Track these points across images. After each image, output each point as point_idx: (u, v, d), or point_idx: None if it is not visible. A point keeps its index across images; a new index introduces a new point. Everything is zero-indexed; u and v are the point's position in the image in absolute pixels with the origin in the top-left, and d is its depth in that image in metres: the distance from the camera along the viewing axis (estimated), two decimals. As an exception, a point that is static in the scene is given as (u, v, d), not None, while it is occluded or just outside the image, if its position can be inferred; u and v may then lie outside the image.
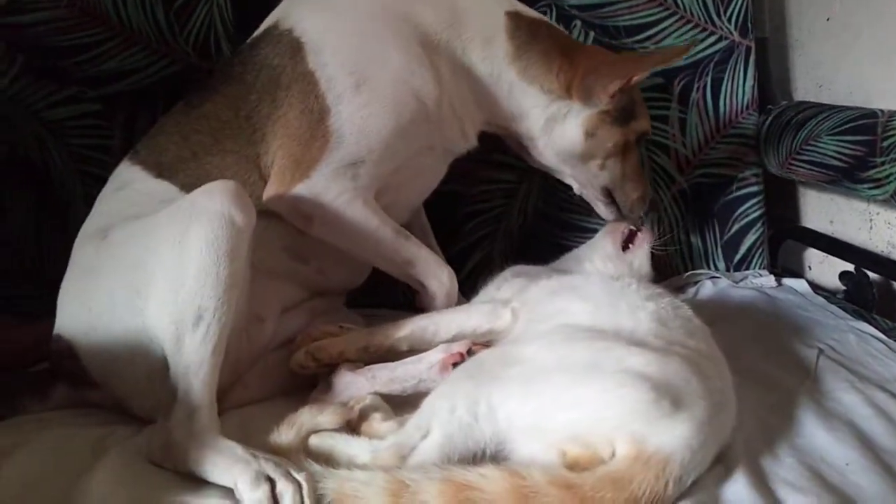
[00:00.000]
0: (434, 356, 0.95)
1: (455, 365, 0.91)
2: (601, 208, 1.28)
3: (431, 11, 1.08)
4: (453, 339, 0.99)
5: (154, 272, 0.85)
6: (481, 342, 0.98)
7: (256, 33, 1.11)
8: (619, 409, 0.74)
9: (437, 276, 1.09)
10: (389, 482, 0.71)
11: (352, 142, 1.01)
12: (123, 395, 0.93)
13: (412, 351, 0.99)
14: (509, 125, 1.18)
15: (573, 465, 0.73)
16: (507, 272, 1.15)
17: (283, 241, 1.05)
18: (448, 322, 1.01)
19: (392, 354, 0.99)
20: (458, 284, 1.11)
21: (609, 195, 1.25)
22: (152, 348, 0.86)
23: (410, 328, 1.00)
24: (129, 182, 1.04)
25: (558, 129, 1.16)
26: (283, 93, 1.02)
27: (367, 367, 0.97)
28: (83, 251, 0.98)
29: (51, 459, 0.83)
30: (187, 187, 1.00)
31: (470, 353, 0.94)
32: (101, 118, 1.30)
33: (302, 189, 1.00)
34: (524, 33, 1.13)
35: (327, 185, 1.01)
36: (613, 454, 0.74)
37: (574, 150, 1.17)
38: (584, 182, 1.25)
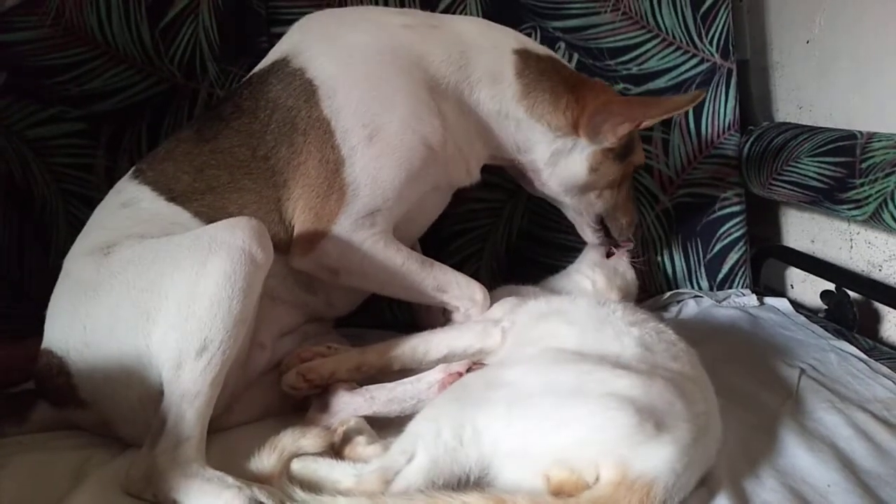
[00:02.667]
0: (433, 376, 0.95)
1: None
2: (588, 234, 1.31)
3: (442, 53, 1.09)
4: (444, 359, 0.99)
5: (166, 297, 0.85)
6: (478, 362, 0.97)
7: (264, 64, 1.11)
8: (603, 433, 0.75)
9: (471, 296, 1.09)
10: None
11: (367, 192, 1.02)
12: (111, 418, 0.92)
13: (403, 370, 0.99)
14: (514, 157, 1.20)
15: (558, 490, 0.73)
16: (497, 291, 1.15)
17: (296, 272, 1.05)
18: (439, 341, 1.01)
19: (383, 374, 0.99)
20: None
21: (601, 222, 1.28)
22: (150, 372, 0.85)
23: (402, 348, 1.00)
24: (136, 200, 1.03)
25: (563, 163, 1.18)
26: (301, 138, 1.03)
27: (365, 387, 0.97)
28: (81, 265, 0.96)
29: (29, 484, 0.82)
30: (201, 216, 1.00)
31: (470, 371, 0.94)
32: (84, 137, 1.29)
33: (324, 246, 1.02)
34: (532, 71, 1.13)
35: (349, 238, 1.02)
36: (598, 478, 0.74)
37: (577, 182, 1.20)
38: (581, 209, 1.27)
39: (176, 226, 0.98)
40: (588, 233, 1.31)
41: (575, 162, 1.18)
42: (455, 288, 1.09)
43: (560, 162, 1.18)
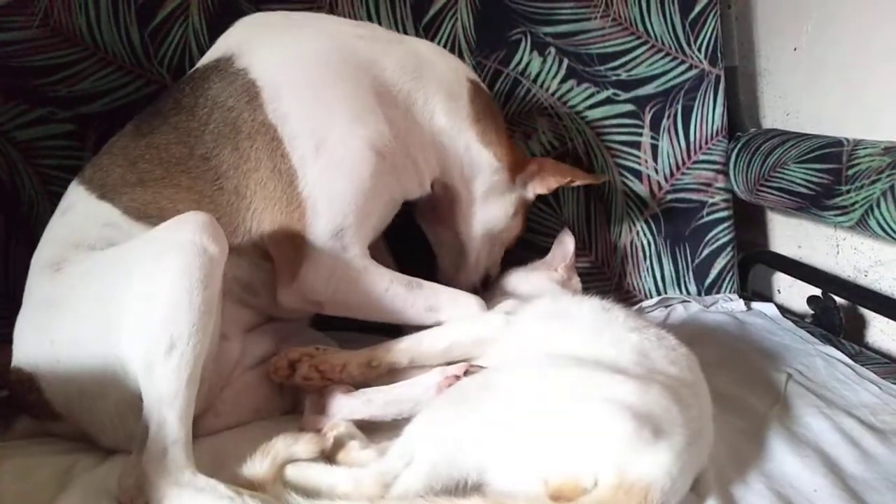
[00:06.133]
0: (430, 379, 0.95)
1: None
2: (461, 280, 1.28)
3: (395, 63, 1.09)
4: (448, 349, 0.99)
5: (125, 304, 0.83)
6: (475, 365, 0.98)
7: (207, 59, 1.09)
8: (601, 440, 0.75)
9: (466, 311, 1.06)
10: None
11: (325, 208, 0.99)
12: (90, 429, 0.91)
13: (413, 366, 0.99)
14: (454, 184, 1.19)
15: (557, 495, 0.74)
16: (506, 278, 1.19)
17: (234, 271, 1.01)
18: (443, 331, 1.01)
19: (393, 373, 0.99)
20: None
21: (486, 280, 1.29)
22: (124, 381, 0.84)
23: (408, 341, 1.00)
24: (73, 204, 1.02)
25: (493, 200, 1.21)
26: (247, 142, 1.00)
27: (362, 390, 0.97)
28: (37, 283, 0.95)
29: (15, 490, 0.81)
30: (131, 211, 0.98)
31: (467, 374, 0.94)
32: (72, 139, 1.28)
33: (304, 276, 1.00)
34: (483, 101, 1.18)
35: (324, 265, 1.00)
36: (596, 483, 0.74)
37: (499, 224, 1.24)
38: (480, 260, 1.28)
39: (109, 227, 0.97)
40: (463, 278, 1.29)
41: (504, 202, 1.23)
42: (448, 305, 1.06)
43: (491, 198, 1.21)
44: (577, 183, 1.27)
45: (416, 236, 1.31)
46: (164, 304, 0.81)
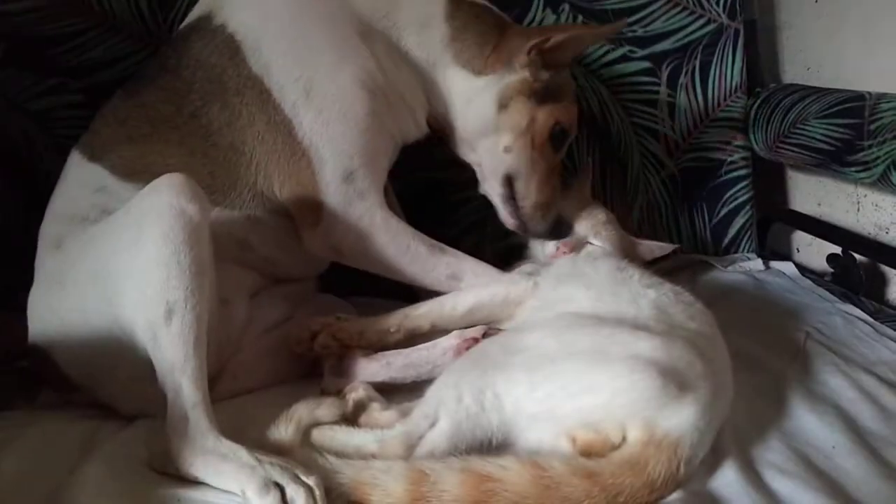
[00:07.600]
0: (449, 342, 0.95)
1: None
2: (499, 206, 1.16)
3: (367, 1, 1.06)
4: (471, 311, 0.99)
5: (118, 277, 0.84)
6: (493, 327, 0.98)
7: (189, 21, 1.09)
8: (629, 396, 0.75)
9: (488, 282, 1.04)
10: (409, 470, 0.71)
11: (329, 154, 0.99)
12: (107, 398, 0.93)
13: (434, 331, 0.99)
14: (444, 113, 1.14)
15: (586, 451, 0.75)
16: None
17: (228, 228, 1.01)
18: (465, 294, 1.01)
19: (412, 338, 0.99)
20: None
21: (510, 187, 1.13)
22: (133, 352, 0.84)
23: (429, 305, 1.00)
24: (67, 171, 1.04)
25: (474, 104, 1.10)
26: (236, 98, 1.00)
27: (381, 353, 0.97)
28: (43, 260, 0.98)
29: (42, 454, 0.83)
30: (119, 170, 0.99)
31: (486, 337, 0.94)
32: (85, 108, 1.28)
33: (327, 220, 1.00)
34: (464, 15, 1.10)
35: (345, 211, 1.00)
36: (624, 439, 0.75)
37: (486, 122, 1.10)
38: (490, 169, 1.14)
39: (99, 192, 0.97)
40: (498, 204, 1.16)
41: (485, 99, 1.09)
42: (471, 276, 1.04)
43: (471, 104, 1.10)
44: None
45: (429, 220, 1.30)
46: (154, 272, 0.81)
